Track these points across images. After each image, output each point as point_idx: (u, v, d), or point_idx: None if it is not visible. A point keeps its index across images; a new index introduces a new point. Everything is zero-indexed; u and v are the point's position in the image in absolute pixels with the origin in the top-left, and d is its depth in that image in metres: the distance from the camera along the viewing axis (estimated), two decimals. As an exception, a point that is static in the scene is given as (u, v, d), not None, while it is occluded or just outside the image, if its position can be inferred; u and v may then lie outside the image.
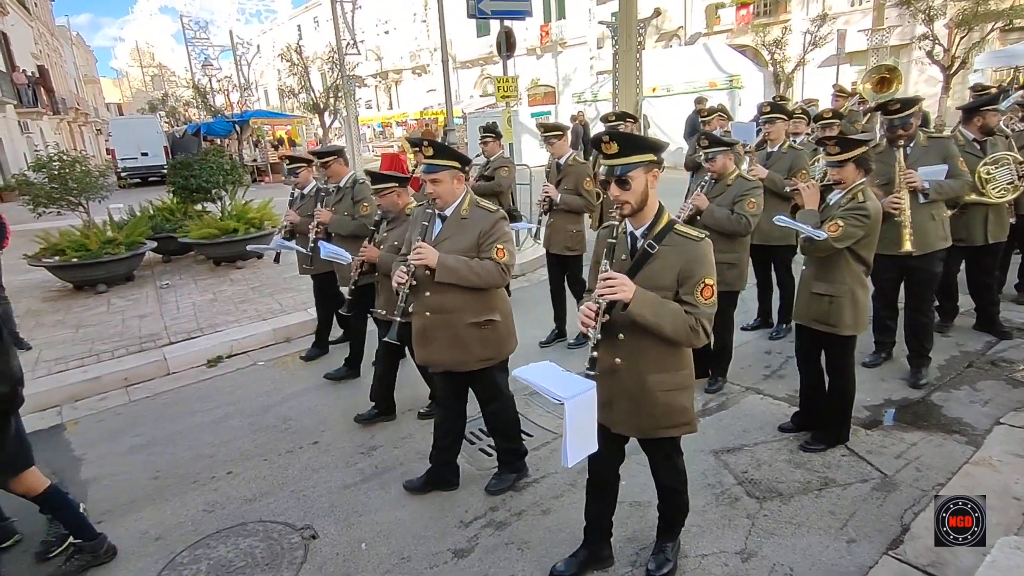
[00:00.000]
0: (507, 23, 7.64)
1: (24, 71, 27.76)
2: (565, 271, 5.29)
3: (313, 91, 14.86)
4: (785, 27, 21.86)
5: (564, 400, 2.02)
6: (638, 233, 2.26)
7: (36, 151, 10.79)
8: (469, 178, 6.05)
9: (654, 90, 15.40)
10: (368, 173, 3.96)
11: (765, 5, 23.16)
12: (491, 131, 6.00)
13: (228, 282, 7.90)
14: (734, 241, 4.03)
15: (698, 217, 4.01)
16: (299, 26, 47.62)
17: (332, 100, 15.23)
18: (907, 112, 3.96)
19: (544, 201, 5.03)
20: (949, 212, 4.25)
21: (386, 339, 3.24)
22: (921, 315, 4.30)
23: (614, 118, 6.02)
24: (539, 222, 5.18)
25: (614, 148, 2.15)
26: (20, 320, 6.22)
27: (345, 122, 16.24)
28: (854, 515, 2.97)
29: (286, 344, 5.86)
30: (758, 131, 5.91)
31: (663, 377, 2.32)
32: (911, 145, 4.05)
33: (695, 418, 2.47)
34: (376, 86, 41.86)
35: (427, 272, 2.89)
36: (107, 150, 26.96)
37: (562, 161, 5.02)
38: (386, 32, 40.06)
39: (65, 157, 7.79)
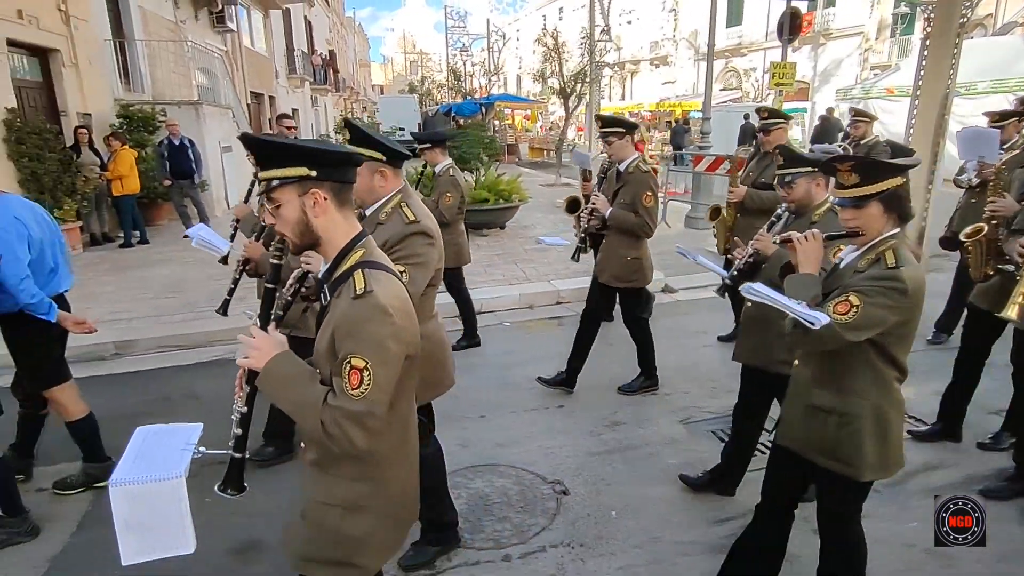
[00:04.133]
0: (794, 4, 6.99)
1: (320, 54, 33.09)
2: (611, 305, 4.44)
3: (563, 76, 15.37)
4: None
5: (110, 484, 1.53)
6: (320, 277, 1.64)
7: (342, 114, 12.73)
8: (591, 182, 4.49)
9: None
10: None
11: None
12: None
13: (474, 247, 8.49)
14: None
15: (764, 265, 2.87)
16: (544, 16, 49.90)
17: (579, 86, 15.63)
18: None
19: (590, 214, 4.14)
20: None
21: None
22: None
23: (767, 114, 4.69)
24: (582, 240, 4.30)
25: (253, 158, 1.50)
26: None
27: (588, 108, 16.59)
28: None
29: (529, 310, 6.14)
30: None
31: (328, 487, 1.59)
32: None
33: (372, 561, 1.66)
34: (611, 76, 42.08)
35: None
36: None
37: (623, 167, 4.08)
38: (628, 22, 39.90)
39: (361, 122, 9.02)
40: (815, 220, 2.79)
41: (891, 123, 15.13)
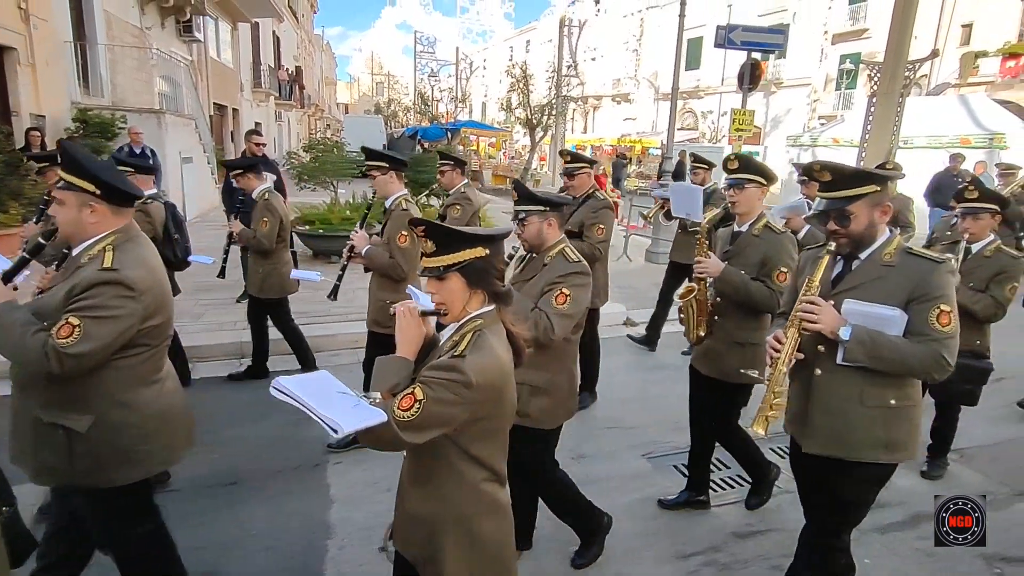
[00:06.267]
0: (755, 55, 7.41)
1: (287, 69, 32.86)
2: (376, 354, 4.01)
3: (529, 107, 15.75)
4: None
5: None
6: None
7: (312, 134, 12.72)
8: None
9: (886, 141, 14.01)
10: None
11: (1042, 58, 19.98)
12: (449, 158, 4.94)
13: (439, 272, 8.53)
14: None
15: None
16: (511, 47, 51.01)
17: (546, 118, 16.03)
18: (847, 193, 2.12)
19: (349, 251, 3.79)
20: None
21: None
22: (825, 548, 2.38)
23: (570, 158, 4.55)
24: (339, 277, 4.00)
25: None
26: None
27: (553, 140, 16.96)
28: None
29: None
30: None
31: None
32: (863, 256, 2.18)
33: None
34: (574, 110, 43.25)
35: None
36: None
37: (388, 204, 3.81)
38: (592, 59, 41.17)
39: (328, 142, 9.01)
40: (546, 263, 2.61)
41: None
